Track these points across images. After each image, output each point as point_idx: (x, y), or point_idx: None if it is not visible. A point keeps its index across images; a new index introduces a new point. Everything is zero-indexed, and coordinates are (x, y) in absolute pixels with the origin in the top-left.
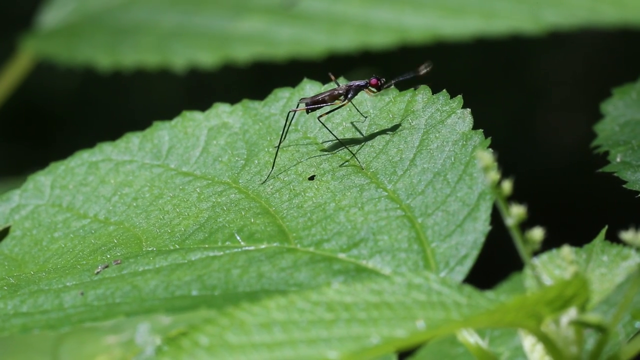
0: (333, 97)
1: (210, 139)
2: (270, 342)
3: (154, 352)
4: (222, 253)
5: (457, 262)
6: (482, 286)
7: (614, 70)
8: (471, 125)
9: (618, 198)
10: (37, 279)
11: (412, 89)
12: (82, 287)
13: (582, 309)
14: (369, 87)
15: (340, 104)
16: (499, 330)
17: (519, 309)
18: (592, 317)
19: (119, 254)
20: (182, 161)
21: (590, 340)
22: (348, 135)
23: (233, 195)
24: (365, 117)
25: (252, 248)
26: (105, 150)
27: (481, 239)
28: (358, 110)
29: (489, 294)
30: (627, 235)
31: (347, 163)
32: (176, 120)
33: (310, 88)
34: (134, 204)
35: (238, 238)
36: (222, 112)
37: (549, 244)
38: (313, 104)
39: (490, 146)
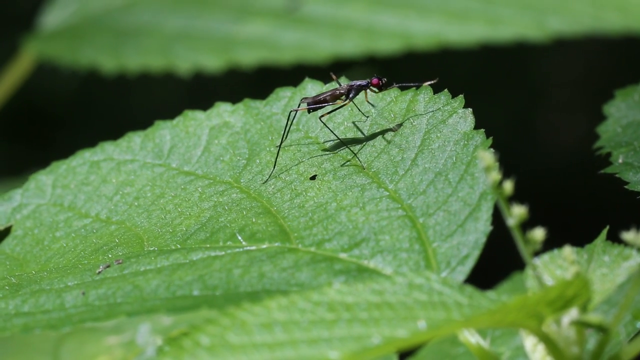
0: (334, 97)
1: (212, 138)
2: (271, 342)
3: (155, 353)
4: (223, 253)
5: (459, 262)
6: (483, 286)
7: (615, 71)
8: (473, 125)
9: (619, 199)
10: (38, 279)
11: (414, 88)
12: (84, 287)
13: (584, 309)
14: (371, 87)
15: (342, 104)
16: (500, 330)
17: (520, 309)
18: (593, 317)
19: (120, 253)
20: (184, 160)
21: (592, 341)
22: (349, 135)
23: (234, 195)
24: (367, 117)
25: (253, 248)
26: (107, 150)
27: (482, 239)
28: (360, 110)
29: (490, 294)
30: (629, 235)
31: (348, 163)
32: (178, 120)
33: (311, 88)
34: (136, 204)
35: (239, 238)
36: (223, 112)
37: (550, 244)
38: (314, 104)
39: (491, 146)
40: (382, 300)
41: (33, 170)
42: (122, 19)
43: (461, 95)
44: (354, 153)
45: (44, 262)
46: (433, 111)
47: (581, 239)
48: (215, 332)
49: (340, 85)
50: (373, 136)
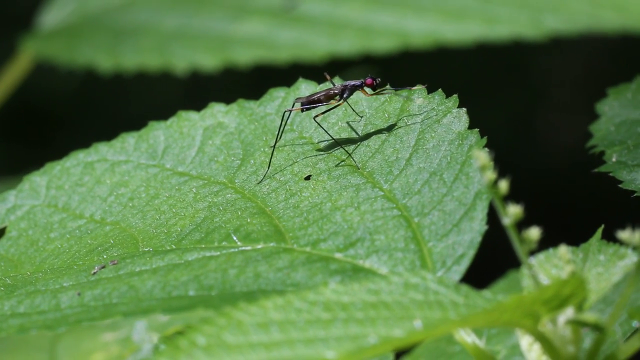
0: (328, 97)
1: (206, 138)
2: (267, 342)
3: (152, 351)
4: (218, 253)
5: (454, 262)
6: (479, 285)
7: (615, 71)
8: (467, 125)
9: (619, 198)
10: (33, 280)
11: (408, 88)
12: (79, 288)
13: (579, 308)
14: (365, 87)
15: (336, 104)
16: (497, 329)
17: (516, 309)
18: (589, 316)
19: (115, 254)
20: (178, 161)
21: (588, 340)
22: (344, 135)
23: (229, 195)
24: (361, 117)
25: (248, 248)
26: (101, 151)
27: (478, 239)
28: (354, 110)
29: (486, 293)
30: (624, 234)
31: (343, 163)
32: (172, 120)
33: (305, 88)
34: (130, 204)
35: (234, 238)
36: (217, 112)
37: (550, 244)
38: (309, 104)
39: (491, 146)
40: (378, 300)
41: (31, 170)
42: (120, 18)
43: (455, 95)
44: (348, 153)
45: (38, 263)
46: (427, 111)
47: (581, 239)
48: (211, 332)
49: (334, 85)
50: (367, 136)
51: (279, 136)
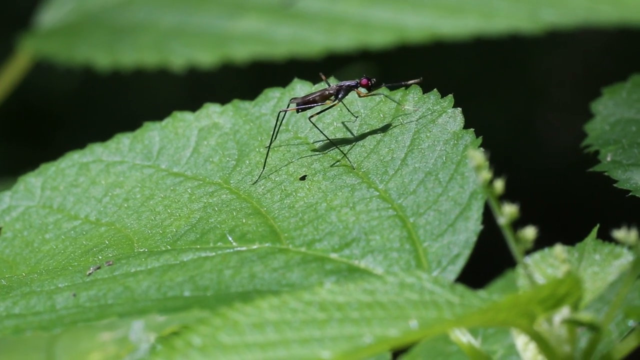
0: (324, 97)
1: (201, 139)
2: (263, 342)
3: (149, 351)
4: (214, 254)
5: (449, 262)
6: (476, 285)
7: (615, 72)
8: (462, 125)
9: (618, 198)
10: (29, 281)
11: (403, 88)
12: (75, 289)
13: (575, 307)
14: (360, 87)
15: (331, 104)
16: (493, 328)
17: (511, 308)
18: (584, 315)
19: (110, 255)
20: (173, 162)
21: (584, 339)
22: (339, 135)
23: (224, 196)
24: (356, 117)
25: (244, 249)
26: (96, 151)
27: (473, 238)
28: (349, 110)
29: (482, 293)
30: (619, 233)
31: (338, 163)
32: (166, 121)
33: (300, 88)
34: (125, 205)
35: (230, 239)
36: (212, 113)
37: (549, 244)
38: (304, 104)
39: (491, 146)
40: (374, 300)
41: (30, 170)
42: (118, 16)
43: (450, 95)
44: (343, 153)
45: (34, 264)
46: (422, 111)
47: (581, 239)
48: (207, 332)
49: (329, 85)
50: (362, 136)
51: (274, 136)
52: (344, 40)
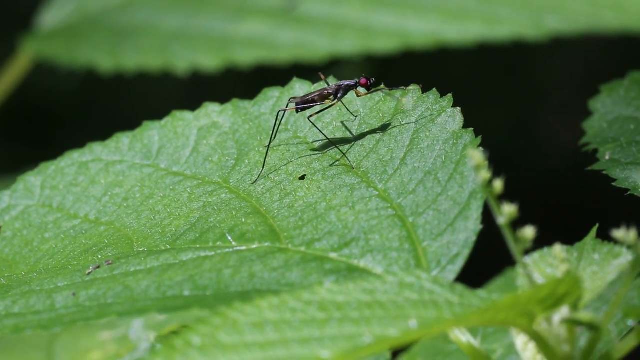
0: (323, 97)
1: (200, 138)
2: (262, 342)
3: (148, 350)
4: (213, 253)
5: (449, 261)
6: (476, 284)
7: (615, 72)
8: (461, 124)
9: (618, 197)
10: (28, 280)
11: (402, 88)
12: (74, 288)
13: (574, 307)
14: (359, 87)
15: (330, 104)
16: (493, 327)
17: (510, 308)
18: (584, 315)
19: (110, 254)
20: (173, 161)
21: (583, 339)
22: (338, 135)
23: (224, 195)
24: (356, 117)
25: (243, 248)
26: (95, 151)
27: (472, 238)
28: (348, 110)
29: (481, 292)
30: (619, 233)
31: (337, 162)
32: (166, 120)
33: (300, 87)
34: (125, 204)
35: (229, 238)
36: (211, 112)
37: (549, 244)
38: (303, 104)
39: (491, 146)
40: (373, 300)
41: (29, 169)
42: (120, 18)
43: (449, 95)
44: (342, 153)
45: (33, 263)
46: (422, 110)
47: (580, 239)
48: (206, 332)
49: (328, 85)
50: (362, 136)
51: (273, 136)
52: (347, 45)
